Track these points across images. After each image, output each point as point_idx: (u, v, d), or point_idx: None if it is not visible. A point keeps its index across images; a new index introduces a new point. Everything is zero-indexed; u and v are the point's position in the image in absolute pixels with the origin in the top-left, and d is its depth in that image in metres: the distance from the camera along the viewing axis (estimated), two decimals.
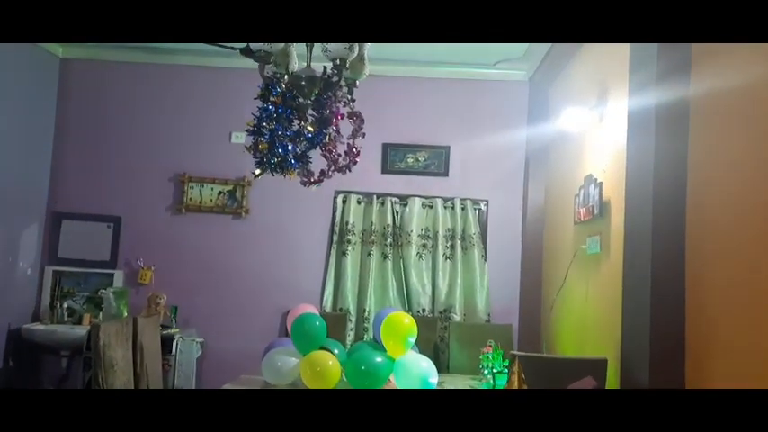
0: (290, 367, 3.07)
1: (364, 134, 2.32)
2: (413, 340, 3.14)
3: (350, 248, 4.47)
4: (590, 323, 3.10)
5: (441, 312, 4.43)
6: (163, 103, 4.61)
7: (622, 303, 2.35)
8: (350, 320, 4.41)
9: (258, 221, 4.58)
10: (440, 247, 4.47)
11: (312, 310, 3.59)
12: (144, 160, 4.62)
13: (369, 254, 4.47)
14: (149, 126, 4.66)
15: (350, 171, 2.34)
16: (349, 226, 4.49)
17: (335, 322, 4.08)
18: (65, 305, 4.44)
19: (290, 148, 2.12)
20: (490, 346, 3.58)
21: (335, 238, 4.51)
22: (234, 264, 4.54)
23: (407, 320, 3.15)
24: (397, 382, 3.05)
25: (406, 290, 4.46)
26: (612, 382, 2.55)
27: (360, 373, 3.03)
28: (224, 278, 4.53)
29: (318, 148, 2.23)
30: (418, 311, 4.41)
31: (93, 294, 4.49)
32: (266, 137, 2.06)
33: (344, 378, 3.08)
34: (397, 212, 4.55)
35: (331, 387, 3.01)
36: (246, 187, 4.58)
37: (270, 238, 4.56)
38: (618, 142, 2.79)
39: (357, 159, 2.32)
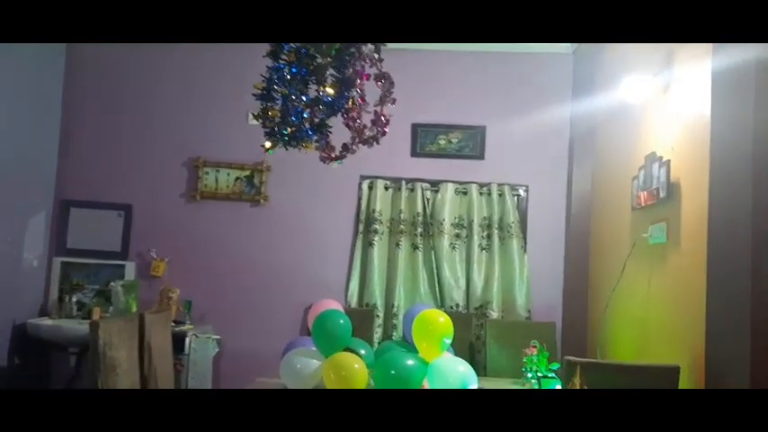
0: (311, 371, 2.76)
1: (394, 100, 1.98)
2: (449, 341, 2.80)
3: (377, 238, 4.15)
4: (653, 324, 2.73)
5: (476, 309, 4.09)
6: (175, 84, 4.34)
7: (707, 301, 1.98)
8: (377, 317, 4.10)
9: (278, 209, 4.29)
10: (475, 237, 4.13)
11: (336, 305, 3.28)
12: (156, 144, 4.36)
13: (397, 244, 4.15)
14: (161, 108, 4.40)
15: (377, 143, 2.01)
16: (376, 214, 4.17)
17: (361, 319, 3.77)
18: (74, 299, 4.21)
19: (305, 115, 1.79)
20: (534, 347, 3.24)
21: (361, 227, 4.20)
22: (252, 255, 4.26)
23: (443, 319, 2.81)
24: (431, 387, 2.72)
25: (438, 284, 4.13)
26: None
27: (389, 378, 2.71)
28: (241, 270, 4.25)
29: (340, 115, 1.90)
30: (451, 307, 4.08)
31: (103, 287, 4.25)
32: (278, 102, 1.74)
33: (372, 383, 2.77)
34: (428, 199, 4.22)
35: None
36: (265, 172, 4.29)
37: (290, 227, 4.27)
38: (691, 113, 2.41)
39: (386, 129, 1.99)
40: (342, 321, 2.86)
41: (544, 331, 3.83)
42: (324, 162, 2.11)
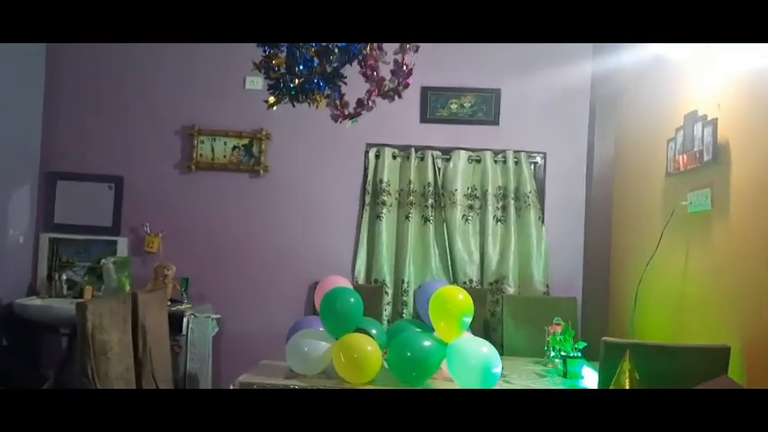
0: (319, 354, 2.56)
1: (418, 47, 1.73)
2: (468, 320, 2.60)
3: (385, 211, 3.92)
4: (690, 300, 2.52)
5: (491, 284, 3.88)
6: (166, 47, 4.05)
7: None
8: (386, 293, 3.89)
9: (279, 180, 4.05)
10: (489, 209, 3.90)
11: (344, 282, 3.07)
12: (147, 112, 4.10)
13: (407, 217, 3.92)
14: (152, 73, 4.13)
15: (399, 97, 1.77)
16: (383, 185, 3.94)
17: (370, 296, 3.57)
18: (63, 277, 3.99)
19: (315, 63, 1.54)
20: (558, 324, 3.04)
21: (368, 198, 3.96)
22: (252, 229, 4.03)
23: (462, 296, 2.61)
24: (450, 371, 2.52)
25: (451, 258, 3.91)
26: (734, 375, 1.98)
27: (405, 362, 2.52)
28: (241, 246, 4.03)
29: (355, 64, 1.65)
30: (464, 283, 3.87)
31: (95, 265, 4.04)
32: (282, 49, 1.49)
33: (386, 365, 2.57)
34: (439, 168, 3.98)
35: (370, 378, 2.50)
36: (265, 141, 4.04)
37: (293, 199, 4.04)
38: (741, 64, 2.16)
39: (409, 81, 1.74)
40: (352, 300, 2.66)
41: (565, 307, 3.64)
42: (336, 121, 1.87)
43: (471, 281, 3.89)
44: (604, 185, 3.78)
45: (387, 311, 3.89)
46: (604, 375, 2.03)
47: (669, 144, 2.75)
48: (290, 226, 4.02)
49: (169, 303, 3.60)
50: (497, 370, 2.44)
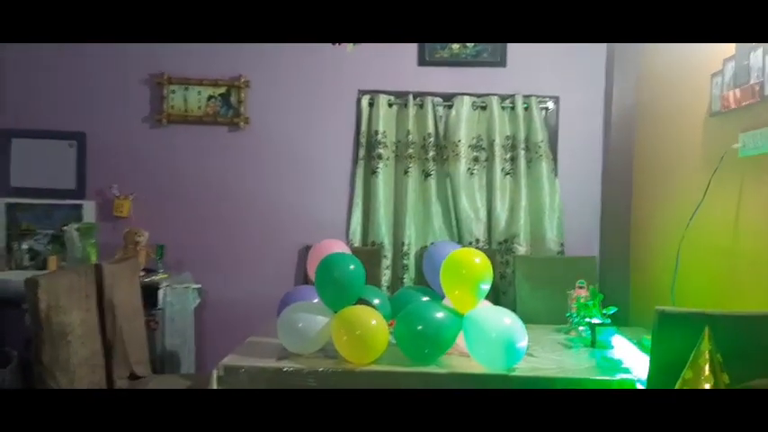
0: (316, 330, 2.24)
1: None
2: (487, 288, 2.29)
3: (381, 165, 3.57)
4: (744, 260, 2.22)
5: (500, 244, 3.57)
6: None
7: None
8: (385, 257, 3.57)
9: (261, 133, 3.67)
10: (497, 161, 3.56)
11: (341, 247, 2.73)
12: (110, 58, 3.66)
13: (405, 171, 3.57)
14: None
15: None
16: (379, 136, 3.57)
17: (367, 260, 3.20)
18: (24, 246, 3.63)
19: None
20: (582, 287, 2.74)
21: (362, 152, 3.60)
22: (234, 189, 3.67)
23: (479, 260, 2.29)
24: (468, 347, 2.22)
25: (455, 216, 3.58)
26: None
27: (416, 337, 2.21)
28: (222, 208, 3.67)
29: None
30: (470, 243, 3.56)
31: (59, 232, 3.65)
32: None
33: (392, 340, 2.26)
34: (441, 117, 3.61)
35: (376, 357, 2.20)
36: (244, 89, 3.64)
37: (278, 154, 3.66)
38: None
39: None
40: (352, 267, 2.33)
41: (583, 267, 3.35)
42: (334, 44, 1.50)
43: (478, 241, 3.57)
44: (625, 132, 3.45)
45: (386, 277, 3.57)
46: (660, 350, 1.73)
47: (714, 79, 2.41)
48: (276, 184, 3.66)
49: (142, 274, 3.25)
50: (523, 344, 2.13)
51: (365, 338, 2.16)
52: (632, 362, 2.28)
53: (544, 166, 3.55)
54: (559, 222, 3.57)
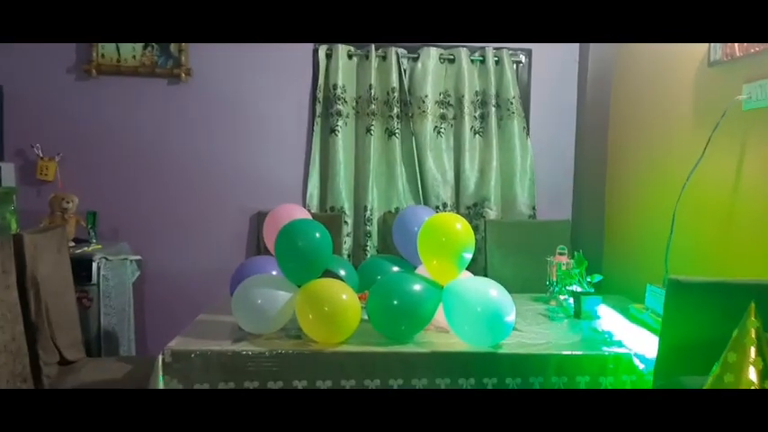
0: (278, 307, 1.99)
1: None
2: (469, 257, 2.07)
3: (340, 123, 3.29)
4: (744, 222, 2.07)
5: (468, 208, 3.38)
6: None
7: None
8: (345, 223, 3.32)
9: (206, 87, 3.32)
10: (466, 118, 3.33)
11: (301, 213, 2.46)
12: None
13: (368, 130, 3.30)
14: None
15: None
16: (338, 91, 3.28)
17: (326, 227, 2.97)
18: None
19: None
20: (563, 253, 2.57)
21: (319, 108, 3.31)
22: (176, 149, 3.33)
23: (460, 225, 2.07)
24: (450, 323, 2.01)
25: (421, 178, 3.36)
26: None
27: (391, 312, 1.99)
28: (163, 169, 3.33)
29: None
30: (437, 207, 3.35)
31: None
32: None
33: (365, 316, 2.03)
34: (405, 70, 3.35)
35: (347, 336, 1.97)
36: None
37: (224, 110, 3.33)
38: None
39: None
40: (318, 235, 2.07)
41: (557, 232, 3.21)
42: None
43: (445, 205, 3.36)
44: (601, 87, 3.27)
45: (347, 245, 3.33)
46: (673, 325, 1.56)
47: None
48: (223, 144, 3.34)
49: (72, 245, 2.92)
50: (510, 318, 1.94)
51: (335, 316, 1.92)
52: (623, 333, 2.13)
53: (516, 125, 3.35)
54: (531, 184, 3.39)
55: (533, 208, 3.38)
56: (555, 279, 2.59)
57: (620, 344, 2.03)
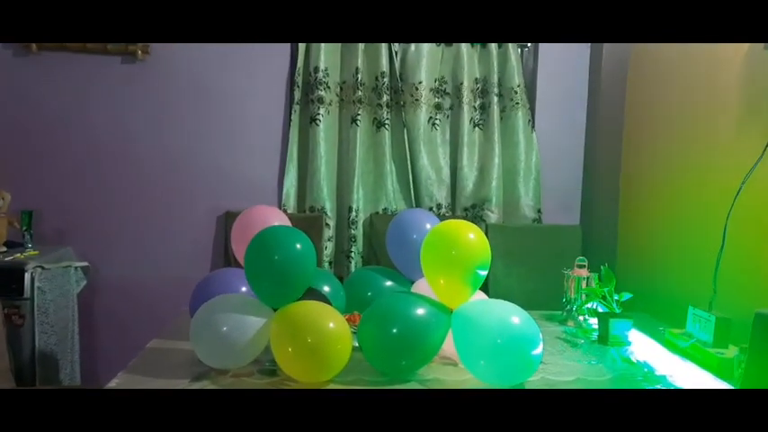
0: (247, 337, 1.61)
1: None
2: (484, 274, 1.72)
3: (322, 111, 2.91)
4: None
5: (466, 210, 3.03)
6: None
7: None
8: (327, 226, 2.94)
9: (166, 66, 2.91)
10: (465, 109, 2.98)
11: (277, 216, 2.08)
12: None
13: (353, 120, 2.93)
14: None
15: None
16: (319, 75, 2.90)
17: (304, 231, 2.59)
18: None
19: None
20: (583, 266, 2.24)
21: (298, 95, 2.92)
22: (130, 138, 2.91)
23: (473, 236, 1.71)
24: (461, 357, 1.66)
25: (413, 176, 3.00)
26: None
27: (388, 343, 1.63)
28: (116, 162, 2.91)
29: None
30: (431, 209, 3.00)
31: None
32: None
33: (355, 343, 1.66)
34: (397, 53, 2.98)
35: (333, 375, 1.60)
36: None
37: (187, 93, 2.93)
38: None
39: None
40: (299, 247, 1.69)
41: (566, 238, 2.92)
42: None
43: (440, 206, 3.01)
44: (616, 77, 2.95)
45: (328, 250, 2.96)
46: (761, 361, 1.22)
47: None
48: (185, 133, 2.93)
49: (4, 250, 2.49)
50: (537, 351, 1.59)
51: (320, 349, 1.55)
52: (665, 367, 1.80)
53: (520, 117, 3.01)
54: (536, 184, 3.06)
55: (539, 211, 3.05)
56: (573, 296, 2.26)
57: (663, 380, 1.70)
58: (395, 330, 1.62)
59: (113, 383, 1.55)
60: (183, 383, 1.57)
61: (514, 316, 1.63)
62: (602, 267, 2.10)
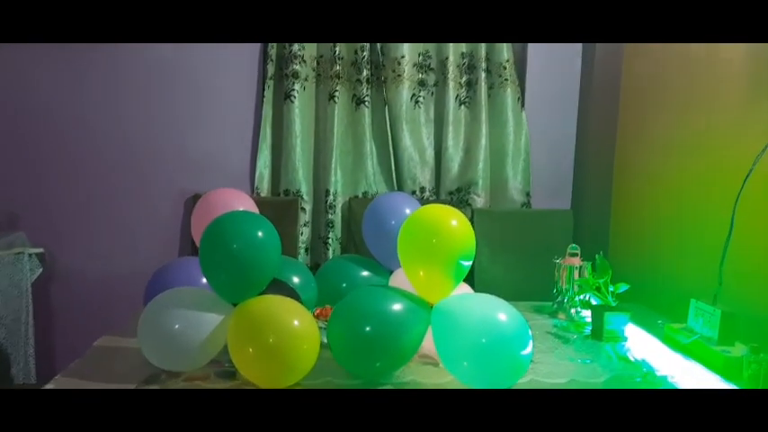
0: (201, 337, 1.43)
1: None
2: (468, 265, 1.56)
3: (297, 87, 2.72)
4: None
5: (451, 194, 2.86)
6: None
7: None
8: (302, 211, 2.76)
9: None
10: (450, 86, 2.80)
11: (241, 199, 1.90)
12: None
13: (331, 97, 2.74)
14: None
15: None
16: (295, 48, 2.70)
17: (278, 216, 2.44)
18: None
19: None
20: (575, 255, 2.09)
21: (271, 69, 2.73)
22: (88, 114, 2.70)
23: (455, 222, 1.55)
24: (443, 357, 1.50)
25: (394, 157, 2.83)
26: None
27: (361, 343, 1.46)
28: (72, 140, 2.71)
29: None
30: (414, 192, 2.82)
31: None
32: None
33: (324, 340, 1.49)
34: None
35: (299, 378, 1.44)
36: None
37: (150, 66, 2.72)
38: None
39: None
40: (261, 234, 1.51)
41: (557, 224, 2.77)
42: None
43: (423, 189, 2.84)
44: (611, 52, 2.77)
45: (304, 236, 2.78)
46: None
47: None
48: (150, 108, 2.73)
49: None
50: (527, 351, 1.43)
51: (282, 351, 1.38)
52: (666, 366, 1.65)
53: (509, 95, 2.84)
54: (525, 167, 2.89)
55: (527, 194, 2.88)
56: (564, 286, 2.11)
57: (664, 381, 1.55)
58: (368, 329, 1.46)
59: (54, 383, 1.38)
60: (130, 386, 1.40)
61: (501, 312, 1.46)
62: (596, 256, 1.94)
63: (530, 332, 1.45)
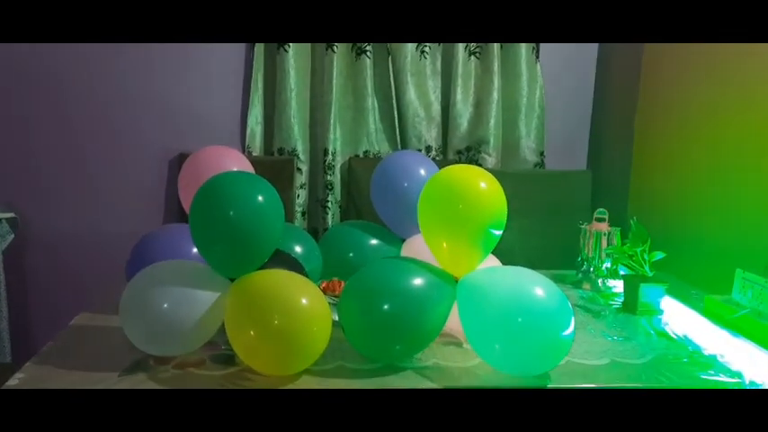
0: (195, 318, 1.24)
1: None
2: (499, 234, 1.38)
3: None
4: None
5: (459, 153, 2.67)
6: None
7: None
8: (299, 171, 2.56)
9: None
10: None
11: (233, 158, 1.70)
12: None
13: (329, 45, 2.51)
14: None
15: None
16: None
17: (273, 177, 2.20)
18: None
19: None
20: (602, 219, 1.92)
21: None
22: (66, 66, 2.46)
23: (485, 184, 1.36)
24: (471, 339, 1.32)
25: (398, 113, 2.62)
26: None
27: (378, 324, 1.28)
28: (50, 96, 2.46)
29: None
30: (419, 150, 2.62)
31: None
32: None
33: (335, 317, 1.31)
34: None
35: (308, 364, 1.26)
36: None
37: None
38: None
39: None
40: (262, 199, 1.31)
41: (574, 186, 2.59)
42: None
43: (429, 148, 2.64)
44: None
45: (300, 199, 2.58)
46: None
47: None
48: (131, 59, 2.48)
49: None
50: (569, 332, 1.26)
51: (290, 334, 1.20)
52: (713, 344, 1.49)
53: (523, 45, 2.62)
54: (539, 124, 2.69)
55: (542, 154, 2.69)
56: (590, 254, 1.94)
57: (714, 361, 1.39)
58: (386, 307, 1.27)
59: (15, 381, 1.19)
60: (110, 378, 1.21)
61: (538, 287, 1.29)
62: (631, 221, 1.76)
63: (570, 308, 1.28)
